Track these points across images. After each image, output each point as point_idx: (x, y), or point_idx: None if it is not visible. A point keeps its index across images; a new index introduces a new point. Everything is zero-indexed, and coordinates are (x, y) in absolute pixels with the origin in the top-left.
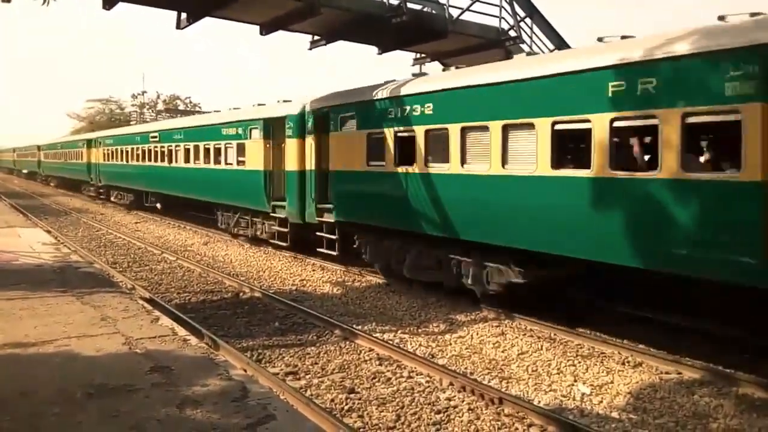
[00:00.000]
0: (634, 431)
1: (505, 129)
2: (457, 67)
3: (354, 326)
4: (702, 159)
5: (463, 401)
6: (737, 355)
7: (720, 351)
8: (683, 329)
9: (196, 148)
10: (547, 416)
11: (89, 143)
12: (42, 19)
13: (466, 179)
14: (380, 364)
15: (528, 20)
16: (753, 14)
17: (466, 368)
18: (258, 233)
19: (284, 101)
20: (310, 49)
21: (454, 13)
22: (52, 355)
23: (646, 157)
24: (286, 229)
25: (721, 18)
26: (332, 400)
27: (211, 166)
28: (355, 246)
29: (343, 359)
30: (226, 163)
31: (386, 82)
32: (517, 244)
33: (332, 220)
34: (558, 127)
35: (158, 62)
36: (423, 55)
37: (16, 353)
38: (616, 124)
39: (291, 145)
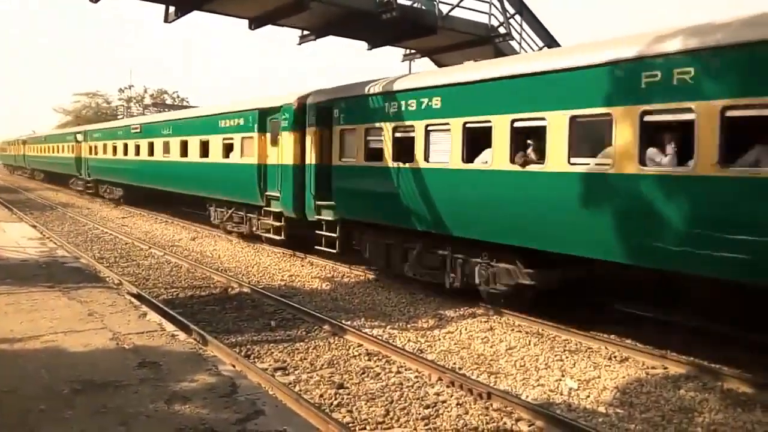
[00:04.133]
0: (620, 425)
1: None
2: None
3: (343, 322)
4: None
5: (451, 396)
6: (723, 351)
7: (706, 346)
8: (669, 324)
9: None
10: (535, 411)
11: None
12: (27, 13)
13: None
14: (369, 360)
15: (517, 17)
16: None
17: (454, 363)
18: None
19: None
20: (300, 44)
21: (444, 9)
22: (39, 351)
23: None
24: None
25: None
26: (321, 396)
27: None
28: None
29: (332, 355)
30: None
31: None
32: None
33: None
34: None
35: (146, 57)
36: (413, 51)
37: (1, 349)
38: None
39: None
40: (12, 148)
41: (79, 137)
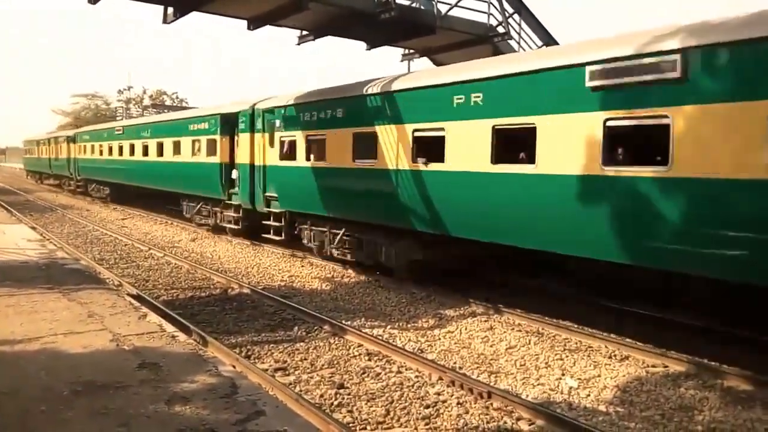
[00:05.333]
0: (621, 424)
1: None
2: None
3: (343, 322)
4: None
5: (452, 395)
6: (722, 348)
7: (705, 344)
8: (669, 322)
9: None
10: (536, 410)
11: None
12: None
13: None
14: (369, 360)
15: (516, 16)
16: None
17: (455, 363)
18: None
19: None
20: (298, 44)
21: (443, 8)
22: (39, 353)
23: None
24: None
25: None
26: (321, 396)
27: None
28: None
29: (332, 355)
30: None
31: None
32: None
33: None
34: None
35: (144, 57)
36: (411, 51)
37: (1, 350)
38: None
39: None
40: (43, 149)
41: (242, 124)
